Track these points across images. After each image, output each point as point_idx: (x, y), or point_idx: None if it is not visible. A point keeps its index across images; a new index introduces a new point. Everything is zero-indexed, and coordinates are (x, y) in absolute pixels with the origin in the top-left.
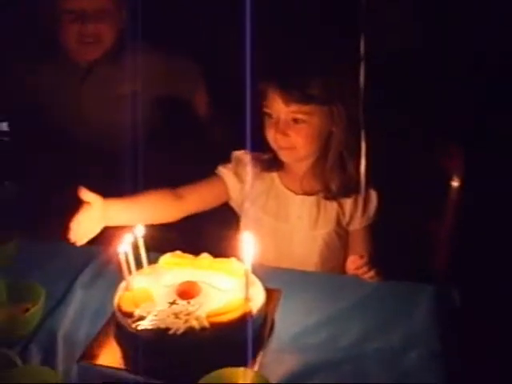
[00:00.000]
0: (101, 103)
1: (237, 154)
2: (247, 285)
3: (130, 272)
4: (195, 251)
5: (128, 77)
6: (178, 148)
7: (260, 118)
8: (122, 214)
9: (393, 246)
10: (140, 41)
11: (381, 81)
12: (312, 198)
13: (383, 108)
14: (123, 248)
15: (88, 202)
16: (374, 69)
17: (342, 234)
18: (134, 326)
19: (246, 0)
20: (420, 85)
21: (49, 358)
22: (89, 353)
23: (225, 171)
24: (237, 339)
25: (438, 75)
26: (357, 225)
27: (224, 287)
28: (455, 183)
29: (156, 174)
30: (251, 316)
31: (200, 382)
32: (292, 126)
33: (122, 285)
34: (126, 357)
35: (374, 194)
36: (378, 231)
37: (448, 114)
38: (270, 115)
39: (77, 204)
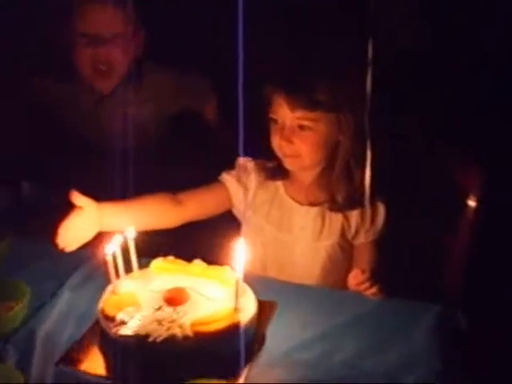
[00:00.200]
0: (115, 123)
1: (241, 161)
2: (237, 294)
3: (118, 275)
4: (190, 257)
5: (141, 98)
6: (184, 156)
7: (266, 125)
8: (117, 219)
9: (399, 262)
10: (153, 62)
11: (392, 86)
12: (316, 209)
13: (393, 116)
14: (111, 249)
15: (80, 207)
16: (384, 74)
17: (345, 246)
18: (114, 330)
19: (244, 5)
20: (435, 92)
21: (25, 359)
22: (68, 356)
23: (228, 178)
24: (222, 350)
25: (453, 82)
26: (363, 239)
27: (214, 296)
28: (471, 201)
29: (160, 181)
30: (239, 327)
31: None
32: (297, 133)
33: (109, 288)
34: (106, 363)
35: (381, 207)
36: (384, 246)
37: (465, 128)
38: (275, 121)
39: (68, 207)
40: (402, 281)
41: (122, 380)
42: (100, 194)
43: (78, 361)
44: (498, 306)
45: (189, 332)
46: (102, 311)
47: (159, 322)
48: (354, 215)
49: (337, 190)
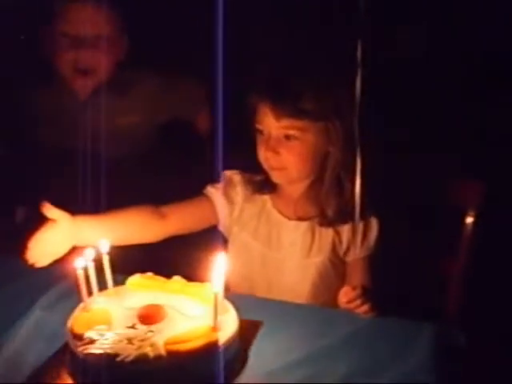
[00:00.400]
0: (99, 133)
1: (227, 173)
2: (215, 311)
3: (90, 291)
4: (170, 274)
5: (130, 106)
6: (173, 166)
7: (253, 136)
8: (94, 232)
9: (392, 278)
10: (141, 68)
11: (385, 95)
12: (306, 224)
13: (386, 126)
14: (81, 263)
15: (53, 219)
16: (374, 81)
17: (337, 263)
18: (81, 349)
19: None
20: (431, 102)
21: None
22: (34, 376)
23: (213, 191)
24: (199, 370)
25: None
26: (355, 255)
27: (193, 314)
28: (470, 218)
29: (146, 193)
30: (217, 346)
31: None
32: (284, 144)
33: (81, 305)
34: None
35: (374, 222)
36: (377, 262)
37: (462, 140)
38: (261, 132)
39: (40, 220)
40: (395, 299)
41: None
42: (78, 207)
43: (45, 381)
44: (495, 323)
45: (161, 351)
46: (71, 329)
47: (129, 341)
48: (346, 230)
49: (327, 204)
